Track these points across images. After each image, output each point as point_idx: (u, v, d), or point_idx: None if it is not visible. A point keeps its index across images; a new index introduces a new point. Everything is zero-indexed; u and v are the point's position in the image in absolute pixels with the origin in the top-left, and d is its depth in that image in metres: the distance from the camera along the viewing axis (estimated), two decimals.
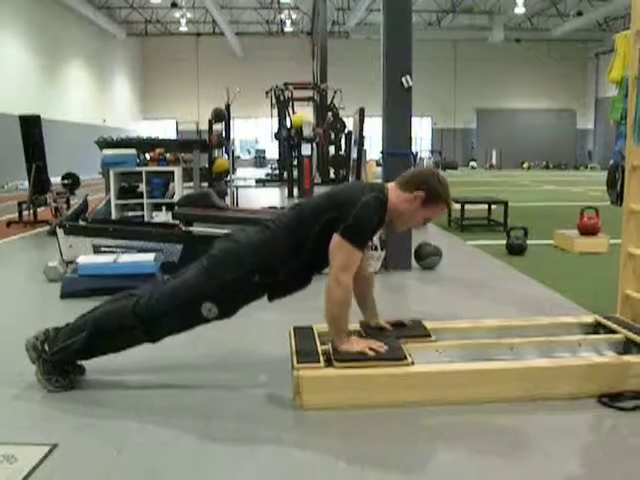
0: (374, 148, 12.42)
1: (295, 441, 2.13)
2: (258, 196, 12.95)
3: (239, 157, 29.71)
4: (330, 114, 17.58)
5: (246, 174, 22.56)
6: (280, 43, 31.62)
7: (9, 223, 8.25)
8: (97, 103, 26.21)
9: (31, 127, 8.50)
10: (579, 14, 26.31)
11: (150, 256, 4.39)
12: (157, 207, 7.77)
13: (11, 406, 2.41)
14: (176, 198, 7.08)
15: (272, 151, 26.33)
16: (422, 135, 33.07)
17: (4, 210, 10.06)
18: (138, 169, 7.68)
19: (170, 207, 6.60)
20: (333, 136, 17.68)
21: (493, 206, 8.00)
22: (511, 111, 33.01)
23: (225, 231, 4.89)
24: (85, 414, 2.33)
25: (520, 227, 6.16)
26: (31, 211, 8.34)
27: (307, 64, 29.39)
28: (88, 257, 4.46)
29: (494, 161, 31.57)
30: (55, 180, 9.75)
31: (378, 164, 15.35)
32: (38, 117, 8.62)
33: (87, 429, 2.22)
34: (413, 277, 4.92)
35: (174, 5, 26.47)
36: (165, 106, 32.31)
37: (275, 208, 7.97)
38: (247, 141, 33.60)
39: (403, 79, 5.02)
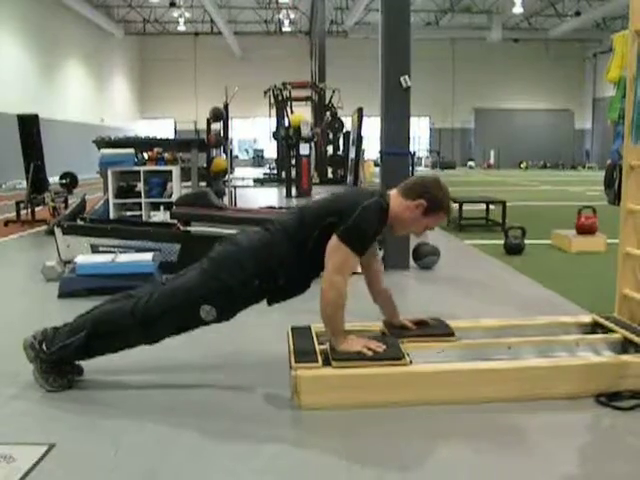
0: (372, 148, 12.42)
1: (294, 440, 2.13)
2: (256, 196, 12.94)
3: (237, 157, 29.73)
4: (328, 114, 17.60)
5: (244, 174, 22.56)
6: (278, 42, 31.60)
7: (7, 222, 8.24)
8: (95, 102, 26.17)
9: (29, 126, 8.49)
10: (577, 14, 26.34)
11: (148, 256, 4.39)
12: (155, 207, 7.77)
13: (9, 405, 2.41)
14: (174, 198, 7.07)
15: (270, 151, 26.32)
16: (420, 135, 33.09)
17: (2, 209, 10.04)
18: (136, 168, 7.67)
19: (168, 206, 6.60)
20: (331, 136, 17.71)
21: (491, 206, 8.01)
22: (509, 111, 33.02)
23: (223, 231, 4.91)
24: (83, 414, 2.33)
25: (518, 227, 6.16)
26: (29, 210, 8.33)
27: (305, 64, 29.44)
28: (86, 257, 4.46)
29: (492, 161, 31.58)
30: (53, 179, 9.76)
31: (376, 164, 15.37)
32: (36, 116, 8.61)
33: (85, 429, 2.22)
34: (411, 276, 4.93)
35: (172, 4, 26.48)
36: (163, 105, 32.27)
37: (273, 208, 7.96)
38: (245, 141, 33.59)
39: (401, 79, 5.02)
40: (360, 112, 11.63)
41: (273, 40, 31.72)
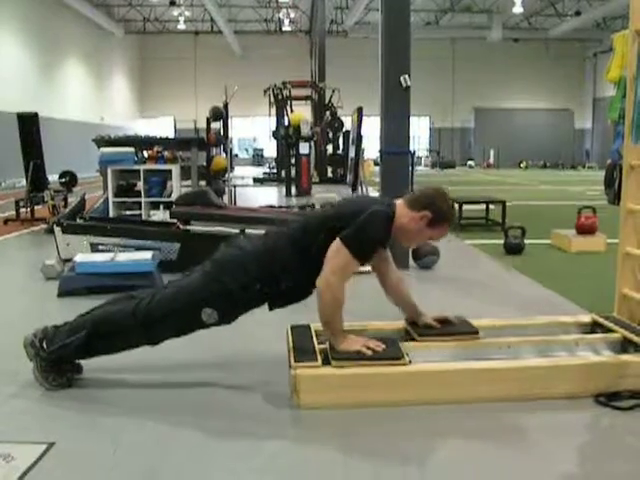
0: (372, 147, 12.42)
1: (293, 439, 2.13)
2: (256, 195, 12.94)
3: (237, 156, 29.70)
4: (328, 113, 17.60)
5: (244, 173, 22.55)
6: (278, 42, 31.57)
7: (6, 221, 8.24)
8: (95, 101, 26.14)
9: (29, 125, 8.49)
10: (577, 14, 26.33)
11: (148, 254, 4.39)
12: (155, 205, 7.77)
13: (8, 404, 2.40)
14: (174, 196, 7.07)
15: (270, 150, 26.30)
16: (420, 134, 33.07)
17: (1, 208, 10.03)
18: (136, 167, 7.66)
19: (168, 205, 6.60)
20: (331, 135, 17.71)
21: (491, 205, 8.01)
22: (509, 110, 33.00)
23: (223, 229, 4.91)
24: (83, 412, 2.33)
25: (518, 226, 6.16)
26: (28, 209, 8.33)
27: (305, 63, 29.42)
28: (85, 255, 4.46)
29: (492, 160, 31.57)
30: (53, 178, 9.76)
31: (376, 163, 15.38)
32: (36, 115, 8.61)
33: (85, 427, 2.22)
34: (411, 276, 4.92)
35: (172, 3, 26.45)
36: (163, 104, 32.22)
37: (273, 207, 7.97)
38: (245, 139, 33.56)
39: (401, 78, 5.02)
40: (360, 111, 11.65)
41: (273, 39, 31.69)
